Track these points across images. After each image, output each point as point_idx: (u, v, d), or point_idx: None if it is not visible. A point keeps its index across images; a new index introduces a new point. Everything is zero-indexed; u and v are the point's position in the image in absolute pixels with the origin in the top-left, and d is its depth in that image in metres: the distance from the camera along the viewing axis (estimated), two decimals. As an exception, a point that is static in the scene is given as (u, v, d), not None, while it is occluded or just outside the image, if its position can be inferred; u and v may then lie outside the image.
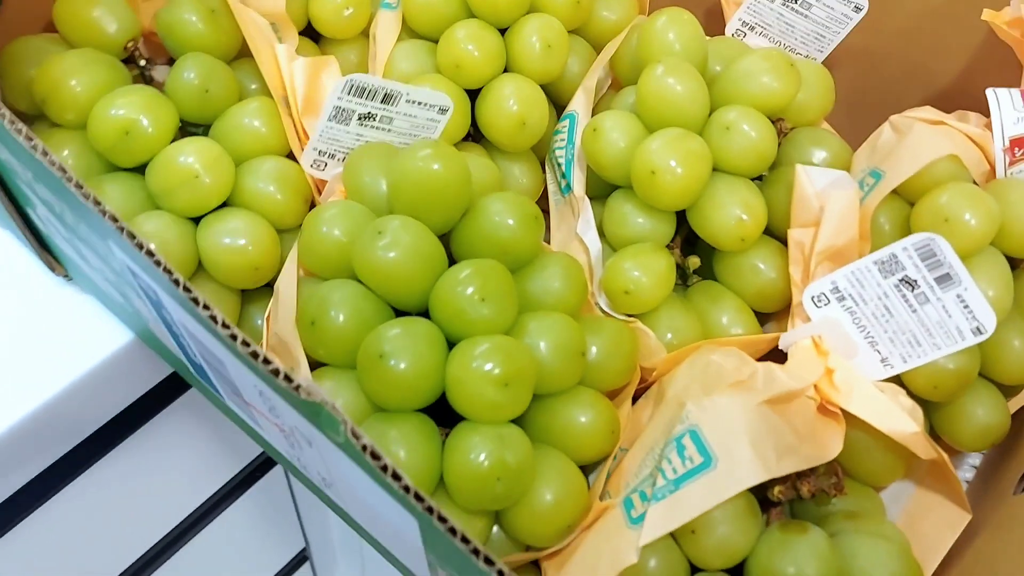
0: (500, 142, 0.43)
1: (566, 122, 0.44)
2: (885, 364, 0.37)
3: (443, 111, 0.38)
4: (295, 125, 0.39)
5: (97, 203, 0.26)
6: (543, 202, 0.46)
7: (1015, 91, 0.38)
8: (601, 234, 0.41)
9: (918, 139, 0.38)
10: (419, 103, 0.38)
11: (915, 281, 0.35)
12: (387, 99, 0.37)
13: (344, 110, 0.37)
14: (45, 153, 0.26)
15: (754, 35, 0.47)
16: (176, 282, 0.24)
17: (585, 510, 0.33)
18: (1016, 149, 0.38)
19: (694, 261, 0.41)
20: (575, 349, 0.34)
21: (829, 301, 0.37)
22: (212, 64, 0.39)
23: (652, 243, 0.40)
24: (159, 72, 0.42)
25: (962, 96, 0.46)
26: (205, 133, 0.40)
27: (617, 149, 0.40)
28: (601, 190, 0.43)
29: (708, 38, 0.44)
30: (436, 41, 0.44)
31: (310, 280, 0.35)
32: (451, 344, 0.32)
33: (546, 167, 0.46)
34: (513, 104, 0.42)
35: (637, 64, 0.43)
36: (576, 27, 0.45)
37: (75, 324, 0.38)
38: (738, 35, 0.47)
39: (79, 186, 0.26)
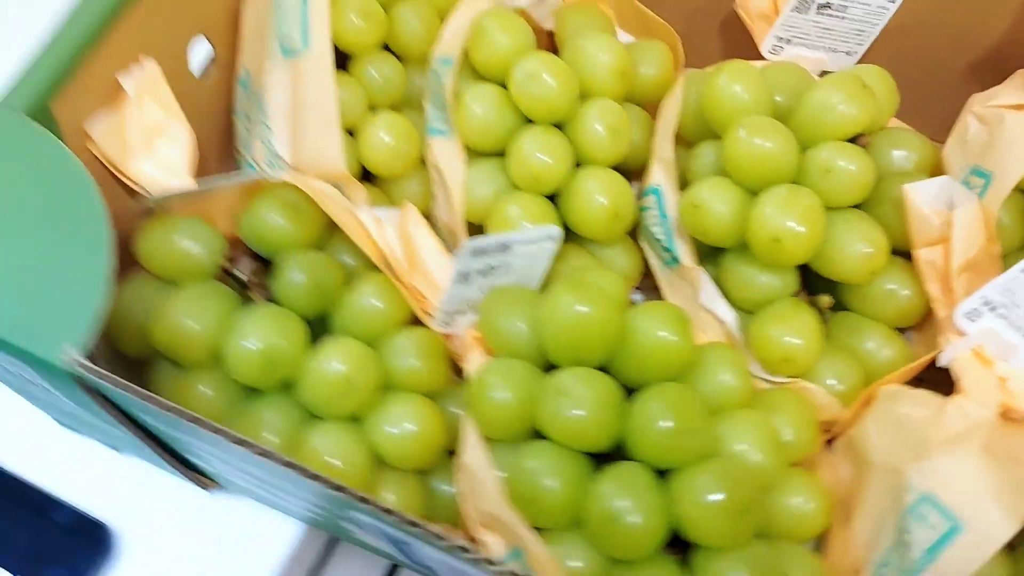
0: (596, 237, 0.43)
1: (652, 197, 0.43)
2: (1040, 350, 0.38)
3: (552, 239, 0.38)
4: (406, 287, 0.39)
5: (289, 464, 0.26)
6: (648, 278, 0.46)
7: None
8: (721, 296, 0.42)
9: (1014, 133, 0.38)
10: (531, 242, 0.37)
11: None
12: (502, 249, 0.37)
13: (466, 273, 0.36)
14: (211, 427, 0.26)
15: (792, 47, 0.47)
16: (412, 523, 0.25)
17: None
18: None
19: (826, 300, 0.41)
20: (776, 441, 0.34)
21: (982, 314, 0.37)
22: (314, 258, 0.38)
23: (790, 302, 0.40)
24: (244, 265, 0.41)
25: (1010, 60, 0.46)
26: (322, 323, 0.39)
27: (723, 219, 0.40)
28: (706, 252, 0.43)
29: (754, 63, 0.44)
30: (501, 154, 0.44)
31: (500, 449, 0.35)
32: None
33: (640, 241, 0.45)
34: (601, 198, 0.41)
35: (701, 121, 0.43)
36: (625, 96, 0.45)
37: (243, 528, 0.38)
38: (775, 51, 0.47)
39: (251, 444, 0.26)
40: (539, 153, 0.41)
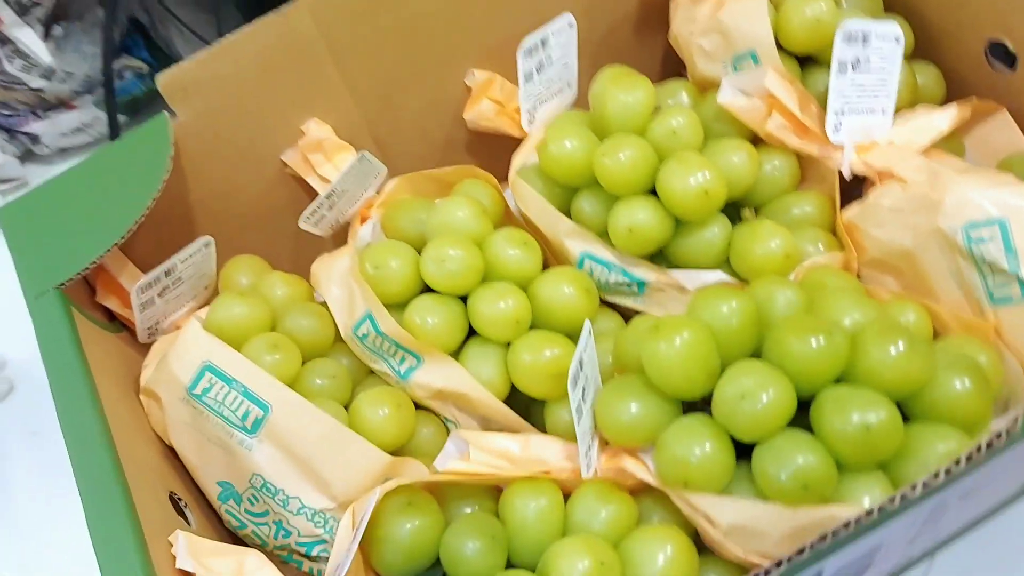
0: (586, 317, 0.46)
1: (587, 263, 0.48)
2: (885, 113, 0.48)
3: (590, 333, 0.40)
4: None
5: None
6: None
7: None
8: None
9: (739, 17, 0.49)
10: (587, 347, 0.40)
11: (857, 59, 0.46)
12: (582, 365, 0.39)
13: (578, 406, 0.38)
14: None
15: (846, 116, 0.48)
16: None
17: None
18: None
19: (749, 212, 0.49)
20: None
21: (840, 121, 0.47)
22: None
23: (746, 225, 0.46)
24: None
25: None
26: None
27: (655, 222, 0.45)
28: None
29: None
30: (466, 340, 0.46)
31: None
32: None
33: (608, 302, 0.49)
34: (568, 289, 0.45)
35: (555, 191, 0.49)
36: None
37: None
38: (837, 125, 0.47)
39: None
40: (501, 303, 0.44)
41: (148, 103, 0.76)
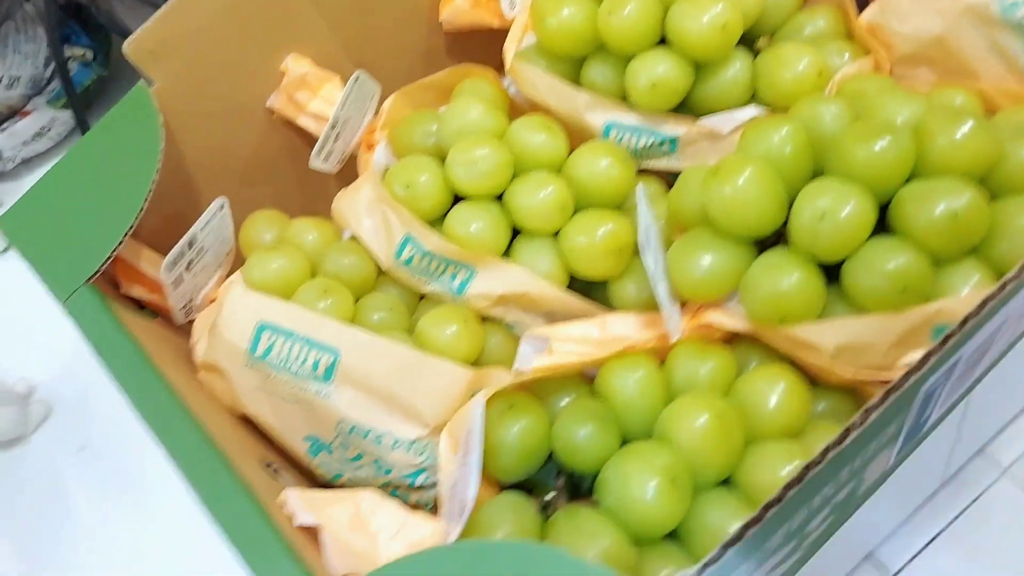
0: (630, 186, 0.45)
1: (613, 131, 0.46)
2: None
3: (644, 194, 0.39)
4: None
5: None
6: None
7: None
8: None
9: None
10: (644, 211, 0.38)
11: None
12: (648, 236, 0.38)
13: (652, 270, 0.37)
14: None
15: None
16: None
17: None
18: None
19: (765, 40, 0.47)
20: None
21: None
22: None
23: (769, 50, 0.45)
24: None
25: None
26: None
27: (677, 75, 0.44)
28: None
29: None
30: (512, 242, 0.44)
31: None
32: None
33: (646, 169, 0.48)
34: (604, 161, 0.44)
35: (559, 64, 0.47)
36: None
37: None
38: None
39: None
40: (541, 193, 0.43)
41: (100, 91, 0.73)
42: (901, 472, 0.36)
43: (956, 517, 0.52)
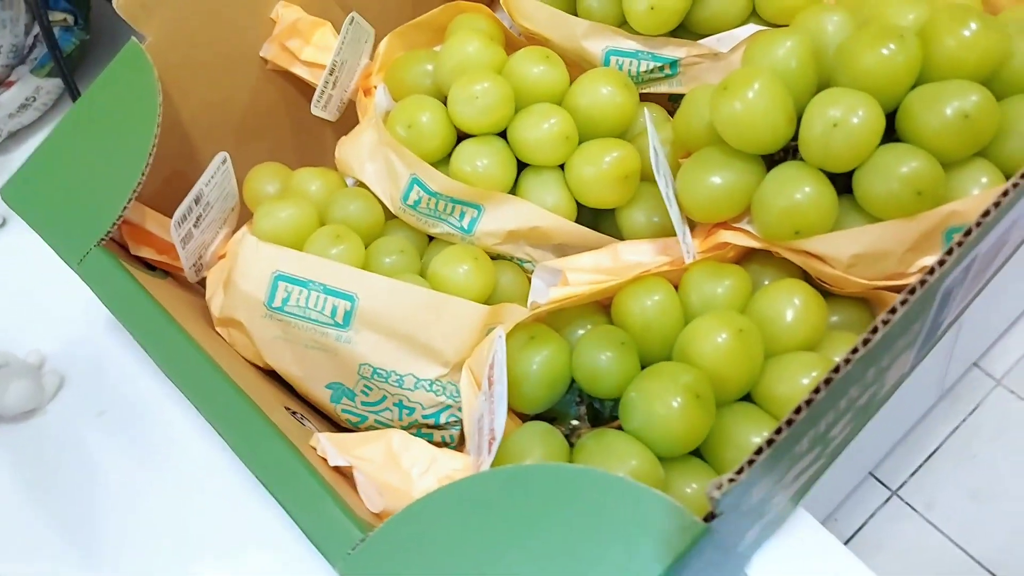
0: (634, 112, 0.44)
1: (613, 58, 0.46)
2: None
3: (651, 119, 0.39)
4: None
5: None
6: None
7: None
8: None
9: None
10: (655, 139, 0.38)
11: None
12: (657, 153, 0.37)
13: (664, 187, 0.37)
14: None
15: None
16: None
17: None
18: None
19: None
20: None
21: None
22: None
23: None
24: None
25: None
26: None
27: (670, -6, 0.43)
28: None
29: None
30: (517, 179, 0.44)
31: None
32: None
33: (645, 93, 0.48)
34: (606, 89, 0.43)
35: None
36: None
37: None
38: None
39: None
40: (545, 124, 0.42)
41: (83, 56, 0.71)
42: (903, 389, 0.37)
43: (952, 431, 0.53)
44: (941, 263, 0.27)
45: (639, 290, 0.38)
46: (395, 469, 0.36)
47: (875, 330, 0.26)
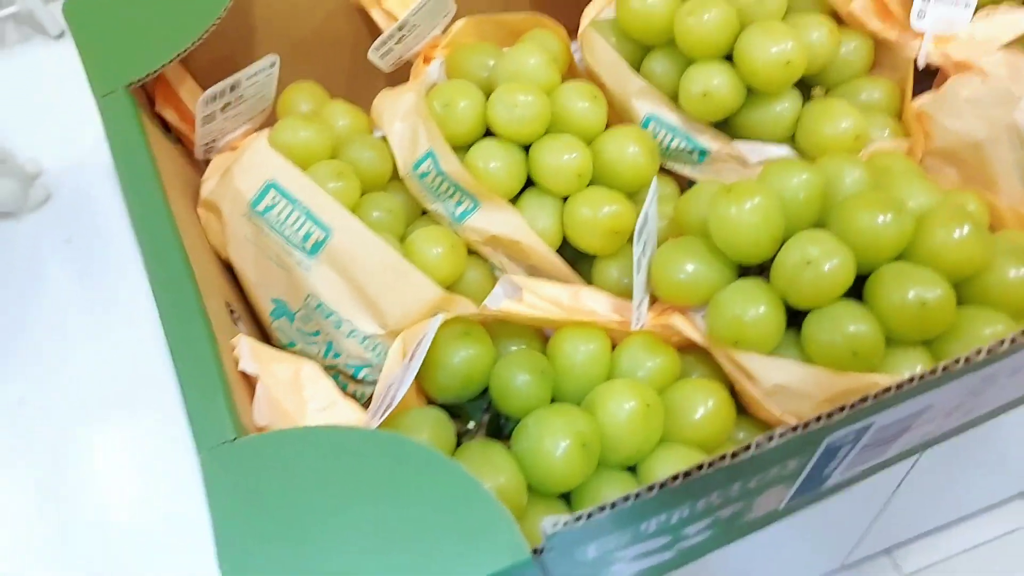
0: (645, 180, 0.46)
1: (651, 124, 0.48)
2: (967, 6, 0.47)
3: (655, 192, 0.41)
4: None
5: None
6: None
7: None
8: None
9: None
10: (651, 205, 0.40)
11: (957, -60, 0.45)
12: (647, 220, 0.39)
13: (638, 259, 0.39)
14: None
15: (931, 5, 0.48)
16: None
17: None
18: None
19: (820, 90, 0.48)
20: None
21: (925, 9, 0.46)
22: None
23: (817, 102, 0.46)
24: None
25: None
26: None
27: (730, 92, 0.45)
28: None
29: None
30: (524, 190, 0.46)
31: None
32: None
33: (666, 168, 0.50)
34: (633, 148, 0.45)
35: (628, 49, 0.49)
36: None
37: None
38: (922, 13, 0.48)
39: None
40: (566, 155, 0.44)
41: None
42: (804, 539, 0.38)
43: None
44: (829, 415, 0.29)
45: (579, 333, 0.40)
46: (294, 395, 0.38)
47: (747, 448, 0.27)
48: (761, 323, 0.37)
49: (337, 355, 0.44)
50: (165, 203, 0.39)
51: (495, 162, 0.45)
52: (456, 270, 0.45)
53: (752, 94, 0.46)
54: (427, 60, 0.51)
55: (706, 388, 0.38)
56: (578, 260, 0.47)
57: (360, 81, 0.55)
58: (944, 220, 0.36)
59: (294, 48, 0.53)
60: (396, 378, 0.39)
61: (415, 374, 0.36)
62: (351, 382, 0.45)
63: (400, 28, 0.48)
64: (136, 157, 0.40)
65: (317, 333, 0.44)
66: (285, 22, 0.52)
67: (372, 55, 0.48)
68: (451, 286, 0.46)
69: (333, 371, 0.45)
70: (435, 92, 0.46)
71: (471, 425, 0.39)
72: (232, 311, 0.44)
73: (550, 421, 0.36)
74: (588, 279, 0.46)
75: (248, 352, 0.38)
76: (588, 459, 0.35)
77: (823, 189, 0.39)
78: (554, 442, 0.35)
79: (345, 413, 0.38)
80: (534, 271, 0.46)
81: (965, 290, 0.37)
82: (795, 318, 0.38)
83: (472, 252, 0.47)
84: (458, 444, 0.38)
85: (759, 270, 0.40)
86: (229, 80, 0.46)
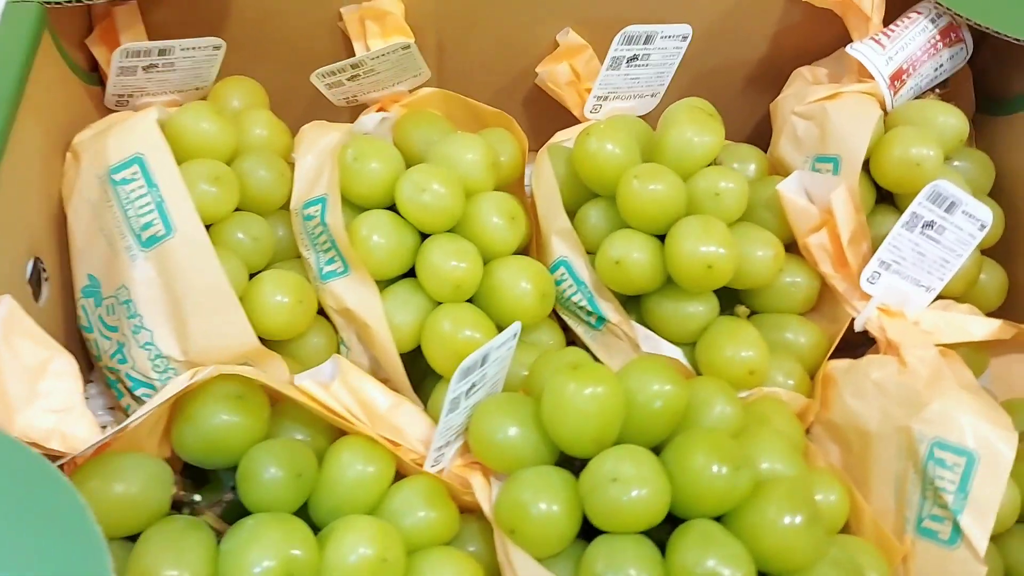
0: (527, 323, 0.42)
1: (562, 269, 0.44)
2: (928, 291, 0.43)
3: (516, 336, 0.37)
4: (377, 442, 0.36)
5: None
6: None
7: (872, 41, 0.46)
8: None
9: (843, 118, 0.44)
10: (502, 345, 0.36)
11: (932, 222, 0.42)
12: (483, 362, 0.35)
13: (457, 398, 0.34)
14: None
15: (609, 102, 0.50)
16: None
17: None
18: (895, 82, 0.46)
19: (743, 310, 0.44)
20: (793, 448, 0.36)
21: (880, 274, 0.42)
22: (282, 447, 0.34)
23: (728, 321, 0.42)
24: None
25: (776, 65, 0.53)
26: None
27: (645, 266, 0.41)
28: (623, 303, 0.44)
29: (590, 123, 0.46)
30: (405, 275, 0.42)
31: (554, 565, 0.33)
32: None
33: (560, 316, 0.46)
34: (526, 284, 0.41)
35: (573, 187, 0.45)
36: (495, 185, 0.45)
37: None
38: (595, 110, 0.49)
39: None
40: (453, 261, 0.40)
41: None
42: None
43: None
44: None
45: (364, 449, 0.35)
46: (27, 382, 0.33)
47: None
48: (545, 523, 0.32)
49: (124, 360, 0.39)
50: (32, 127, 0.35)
51: (379, 236, 0.41)
52: (295, 326, 0.41)
53: (670, 284, 0.42)
54: (380, 109, 0.48)
55: (464, 567, 0.33)
56: (429, 376, 0.43)
57: (322, 108, 0.52)
58: (782, 498, 0.32)
59: (265, 45, 0.50)
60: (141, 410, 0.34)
61: (139, 418, 0.31)
62: (128, 395, 0.40)
63: (354, 66, 0.45)
64: (5, 70, 0.37)
65: (115, 329, 0.39)
66: (263, 19, 0.49)
67: (315, 78, 0.45)
68: (286, 341, 0.42)
69: (115, 376, 0.40)
70: (355, 141, 0.43)
71: (197, 498, 0.34)
72: (42, 268, 0.40)
73: (265, 531, 0.31)
74: (425, 399, 0.42)
75: (15, 315, 0.34)
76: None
77: (683, 410, 0.35)
78: (258, 558, 0.30)
79: (75, 424, 0.33)
80: (376, 365, 0.42)
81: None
82: (590, 535, 0.33)
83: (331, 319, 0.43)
84: (177, 511, 0.33)
85: (582, 464, 0.35)
86: (161, 43, 0.43)
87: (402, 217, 0.42)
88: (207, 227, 0.41)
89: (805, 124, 0.46)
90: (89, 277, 0.40)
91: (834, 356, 0.43)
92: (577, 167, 0.44)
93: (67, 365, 0.34)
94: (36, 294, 0.40)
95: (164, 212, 0.38)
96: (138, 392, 0.39)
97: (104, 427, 0.34)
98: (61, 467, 0.33)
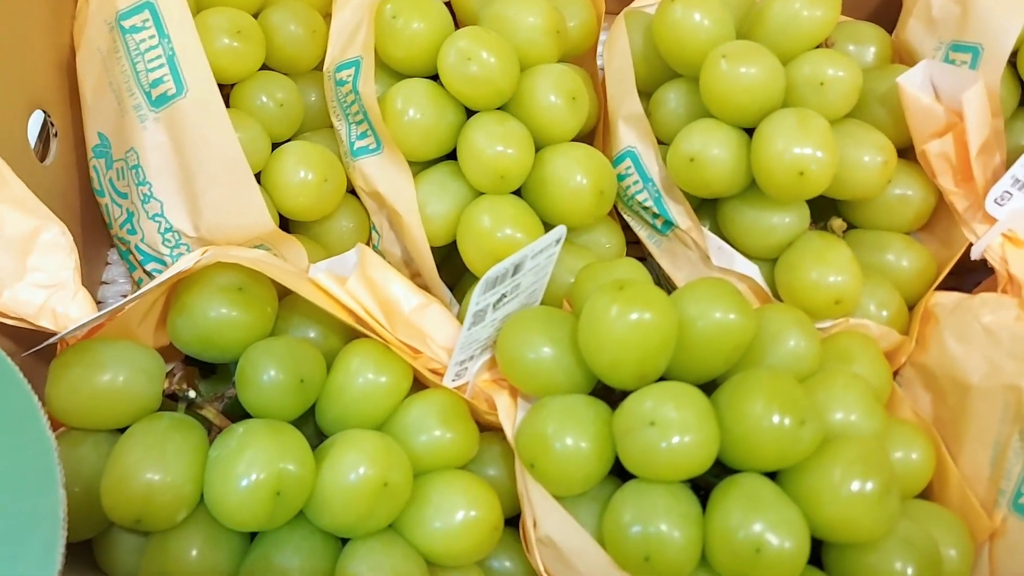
0: (580, 223, 0.37)
1: (628, 161, 0.38)
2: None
3: (559, 241, 0.32)
4: (395, 347, 0.32)
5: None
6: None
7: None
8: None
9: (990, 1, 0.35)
10: (540, 252, 0.31)
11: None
12: (515, 270, 0.30)
13: (483, 310, 0.30)
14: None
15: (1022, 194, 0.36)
16: None
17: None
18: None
19: (839, 224, 0.38)
20: (872, 398, 0.30)
21: (1012, 195, 0.35)
22: (284, 346, 0.30)
23: (817, 237, 0.36)
24: (181, 381, 0.32)
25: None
26: (304, 420, 0.31)
27: (726, 166, 0.35)
28: (696, 207, 0.38)
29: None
30: (447, 157, 0.37)
31: (577, 505, 0.29)
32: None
33: (622, 215, 0.40)
34: (582, 179, 0.35)
35: (652, 64, 0.39)
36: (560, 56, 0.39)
37: None
38: (1004, 198, 0.36)
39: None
40: (500, 146, 0.35)
41: None
42: None
43: None
44: None
45: (376, 357, 0.31)
46: (16, 255, 0.30)
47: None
48: (568, 460, 0.28)
49: (133, 231, 0.36)
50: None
51: (415, 111, 0.35)
52: (319, 207, 0.37)
53: (754, 189, 0.36)
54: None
55: (476, 496, 0.30)
56: (466, 274, 0.38)
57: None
58: (852, 461, 0.27)
59: None
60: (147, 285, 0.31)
61: (138, 295, 0.28)
62: (140, 268, 0.37)
63: None
64: None
65: (125, 196, 0.36)
66: None
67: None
68: (311, 223, 0.38)
69: (125, 248, 0.37)
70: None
71: (192, 394, 0.31)
72: (50, 122, 0.36)
73: (256, 441, 0.28)
74: (461, 298, 0.38)
75: (15, 181, 0.31)
76: (277, 509, 0.27)
77: (747, 344, 0.30)
78: (245, 470, 0.27)
79: (67, 301, 0.30)
80: (405, 252, 0.38)
81: (835, 556, 0.28)
82: (625, 474, 0.29)
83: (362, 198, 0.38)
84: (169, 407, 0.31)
85: (622, 395, 0.30)
86: None
87: (445, 89, 0.36)
88: (228, 87, 0.37)
89: (942, 4, 0.38)
90: (99, 136, 0.36)
91: (941, 288, 0.37)
92: (657, 39, 0.37)
93: (60, 237, 0.31)
94: (45, 152, 0.37)
95: (175, 67, 0.34)
96: (148, 267, 0.36)
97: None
98: (52, 347, 0.31)
